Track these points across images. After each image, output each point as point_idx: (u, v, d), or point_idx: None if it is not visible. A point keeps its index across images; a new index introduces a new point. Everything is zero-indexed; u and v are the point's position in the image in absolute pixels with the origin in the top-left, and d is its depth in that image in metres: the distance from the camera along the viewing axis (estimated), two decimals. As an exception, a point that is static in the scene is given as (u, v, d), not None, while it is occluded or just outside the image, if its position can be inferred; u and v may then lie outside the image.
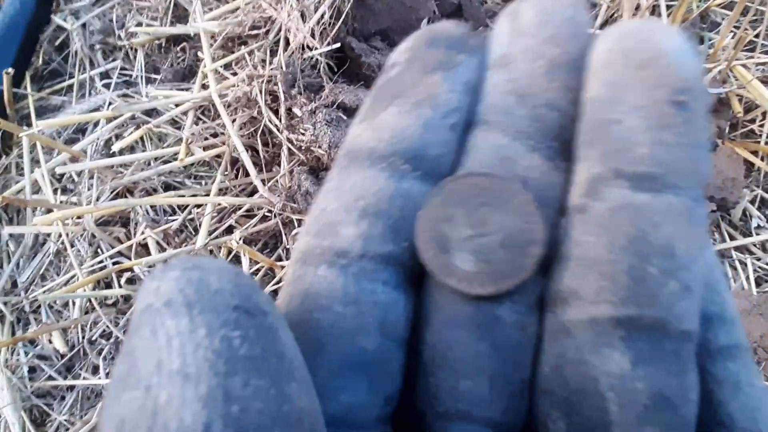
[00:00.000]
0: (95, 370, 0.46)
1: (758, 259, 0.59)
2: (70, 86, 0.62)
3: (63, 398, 0.44)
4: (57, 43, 0.65)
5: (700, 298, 0.11)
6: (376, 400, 0.12)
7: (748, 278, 0.57)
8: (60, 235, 0.50)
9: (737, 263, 0.58)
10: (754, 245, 0.60)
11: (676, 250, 0.11)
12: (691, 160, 0.11)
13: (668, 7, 0.70)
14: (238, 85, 0.49)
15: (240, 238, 0.38)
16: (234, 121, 0.49)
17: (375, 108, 0.13)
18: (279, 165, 0.52)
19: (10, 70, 0.53)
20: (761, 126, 0.61)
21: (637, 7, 0.69)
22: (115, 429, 0.09)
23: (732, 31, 0.70)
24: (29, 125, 0.58)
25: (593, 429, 0.11)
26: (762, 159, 0.61)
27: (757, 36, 0.68)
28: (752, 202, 0.61)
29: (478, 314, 0.12)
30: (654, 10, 0.71)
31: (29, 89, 0.60)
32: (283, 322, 0.10)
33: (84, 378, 0.44)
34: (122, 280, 0.44)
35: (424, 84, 0.13)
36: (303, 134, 0.47)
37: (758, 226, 0.61)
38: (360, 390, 0.12)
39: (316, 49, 0.50)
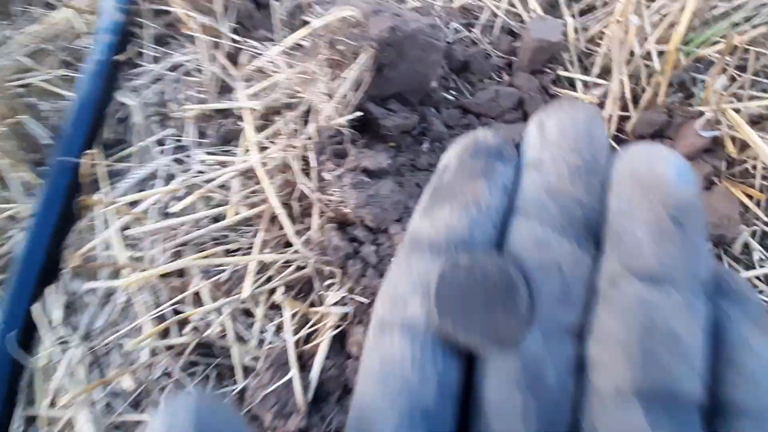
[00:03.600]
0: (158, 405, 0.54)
1: (761, 292, 0.62)
2: (131, 153, 0.72)
3: (134, 430, 0.52)
4: (119, 116, 0.76)
5: (703, 371, 0.14)
6: None
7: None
8: (127, 288, 0.58)
9: (741, 295, 0.61)
10: (758, 278, 0.63)
11: (681, 335, 0.14)
12: (689, 263, 0.14)
13: (660, 53, 0.75)
14: (276, 154, 0.57)
15: (281, 292, 0.45)
16: (272, 184, 0.57)
17: (432, 205, 0.17)
18: (311, 216, 0.59)
19: (90, 151, 0.63)
20: (754, 166, 0.65)
21: (632, 54, 0.75)
22: None
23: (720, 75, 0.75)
24: (98, 190, 0.68)
25: None
26: (757, 203, 0.65)
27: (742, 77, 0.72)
28: (753, 235, 0.65)
29: (527, 376, 0.15)
30: (648, 56, 0.77)
31: (98, 159, 0.71)
32: None
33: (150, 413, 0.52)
34: (186, 328, 0.51)
35: (470, 189, 0.16)
36: (332, 195, 0.54)
37: (761, 259, 0.64)
38: None
39: (340, 118, 0.58)
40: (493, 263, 0.15)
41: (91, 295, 0.61)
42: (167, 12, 0.83)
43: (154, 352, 0.54)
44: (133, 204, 0.63)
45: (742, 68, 0.71)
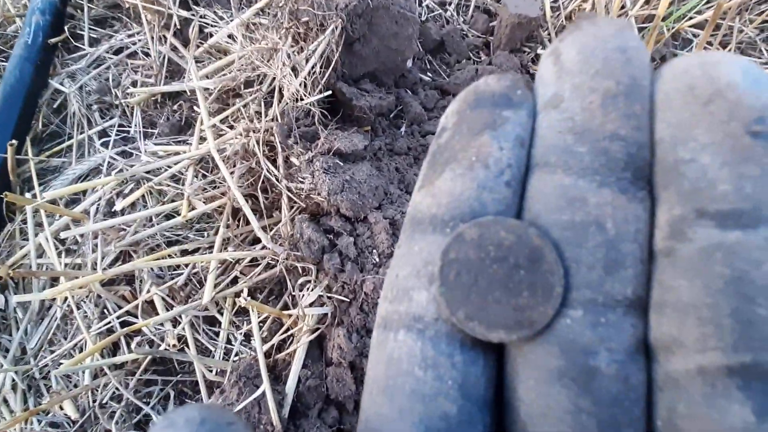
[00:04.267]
0: (108, 434, 0.46)
1: None
2: (70, 147, 0.64)
3: (77, 467, 0.44)
4: (55, 105, 0.67)
5: None
6: None
7: None
8: (66, 299, 0.50)
9: None
10: None
11: None
12: None
13: (641, 29, 0.73)
14: (236, 138, 0.50)
15: (246, 294, 0.39)
16: (233, 173, 0.50)
17: (430, 175, 0.14)
18: (279, 210, 0.53)
19: (14, 141, 0.54)
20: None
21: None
22: None
23: (705, 47, 0.73)
24: (30, 189, 0.59)
25: None
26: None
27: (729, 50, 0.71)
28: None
29: (573, 367, 0.11)
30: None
31: (30, 154, 0.62)
32: None
33: (97, 444, 0.44)
34: (132, 344, 0.44)
35: (474, 146, 0.13)
36: (302, 182, 0.48)
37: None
38: None
39: (309, 97, 0.52)
40: (508, 231, 0.12)
41: (23, 311, 0.52)
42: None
43: (100, 373, 0.46)
44: (72, 203, 0.55)
45: (724, 45, 0.69)
